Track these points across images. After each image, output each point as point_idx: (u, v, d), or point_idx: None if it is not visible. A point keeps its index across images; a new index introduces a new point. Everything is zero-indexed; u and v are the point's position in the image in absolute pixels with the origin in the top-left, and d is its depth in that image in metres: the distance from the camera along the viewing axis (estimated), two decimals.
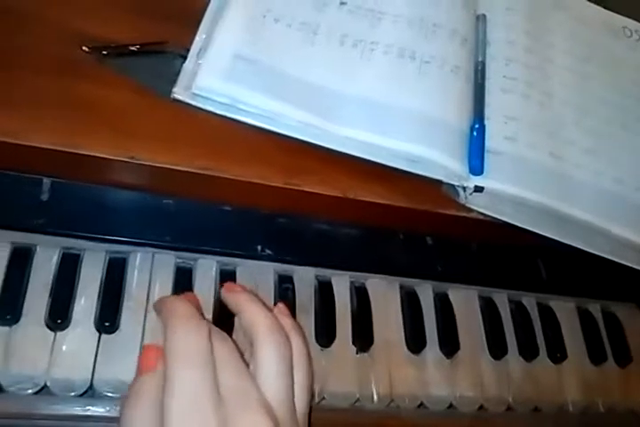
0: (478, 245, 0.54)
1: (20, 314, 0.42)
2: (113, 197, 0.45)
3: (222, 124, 0.43)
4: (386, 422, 0.48)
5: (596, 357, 0.57)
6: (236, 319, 0.44)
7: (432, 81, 0.48)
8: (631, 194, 0.52)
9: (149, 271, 0.46)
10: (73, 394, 0.41)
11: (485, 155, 0.47)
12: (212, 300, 0.46)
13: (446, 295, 0.54)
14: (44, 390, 0.40)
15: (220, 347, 0.36)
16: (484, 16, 0.54)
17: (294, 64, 0.46)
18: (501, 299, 0.56)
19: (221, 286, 0.44)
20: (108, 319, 0.43)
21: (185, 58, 0.44)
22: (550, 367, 0.55)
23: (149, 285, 0.45)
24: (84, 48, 0.43)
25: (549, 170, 0.49)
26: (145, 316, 0.44)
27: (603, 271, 0.54)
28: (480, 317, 0.54)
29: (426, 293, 0.53)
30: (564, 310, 0.58)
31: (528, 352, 0.54)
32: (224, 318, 0.44)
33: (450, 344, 0.51)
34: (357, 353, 0.49)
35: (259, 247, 0.47)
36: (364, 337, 0.49)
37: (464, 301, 0.54)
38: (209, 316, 0.44)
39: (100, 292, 0.44)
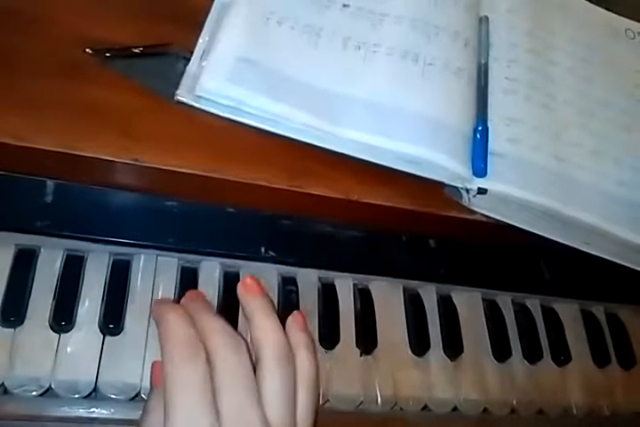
0: (482, 248, 0.53)
1: (24, 316, 0.42)
2: (116, 199, 0.45)
3: (226, 127, 0.43)
4: (390, 425, 0.48)
5: (600, 359, 0.57)
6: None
7: (435, 83, 0.48)
8: (635, 196, 0.51)
9: (153, 273, 0.46)
10: (77, 396, 0.41)
11: (489, 157, 0.47)
12: (215, 301, 0.46)
13: (450, 298, 0.54)
14: (48, 392, 0.41)
15: (225, 365, 0.37)
16: (487, 18, 0.53)
17: (297, 66, 0.46)
18: (505, 301, 0.56)
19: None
20: (112, 321, 0.43)
21: (188, 60, 0.44)
22: (554, 370, 0.55)
23: (153, 287, 0.46)
24: (87, 50, 0.43)
25: (552, 172, 0.49)
26: (149, 318, 0.44)
27: (606, 273, 0.54)
28: (484, 319, 0.54)
29: (429, 295, 0.53)
30: (568, 312, 0.58)
31: (532, 355, 0.54)
32: (227, 319, 0.44)
33: (454, 347, 0.51)
34: (361, 356, 0.48)
35: (262, 249, 0.47)
36: (367, 340, 0.49)
37: (467, 303, 0.54)
38: None
39: (104, 294, 0.44)
